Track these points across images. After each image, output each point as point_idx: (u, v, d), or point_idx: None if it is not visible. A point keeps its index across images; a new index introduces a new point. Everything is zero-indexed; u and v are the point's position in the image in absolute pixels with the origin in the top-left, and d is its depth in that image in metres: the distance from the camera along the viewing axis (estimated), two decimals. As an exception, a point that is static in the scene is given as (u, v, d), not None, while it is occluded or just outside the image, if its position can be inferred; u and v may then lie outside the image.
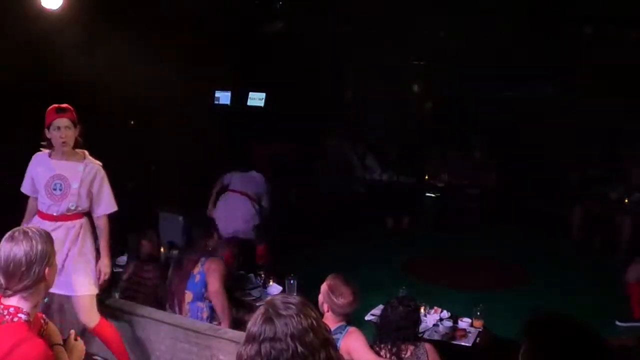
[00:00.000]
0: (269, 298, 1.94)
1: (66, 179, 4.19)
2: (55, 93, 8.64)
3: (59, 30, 6.80)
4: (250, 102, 10.34)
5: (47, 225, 4.03)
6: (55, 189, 4.19)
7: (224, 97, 10.15)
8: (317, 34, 8.69)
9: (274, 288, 5.43)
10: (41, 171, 4.27)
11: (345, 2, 8.14)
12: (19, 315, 2.26)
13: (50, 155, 4.28)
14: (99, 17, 7.20)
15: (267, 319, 1.82)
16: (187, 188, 7.72)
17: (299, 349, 1.78)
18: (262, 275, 5.73)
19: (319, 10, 8.24)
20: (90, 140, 8.88)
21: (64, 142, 4.14)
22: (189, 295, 4.68)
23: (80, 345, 2.54)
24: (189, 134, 7.83)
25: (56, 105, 4.24)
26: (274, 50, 8.87)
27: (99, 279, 4.23)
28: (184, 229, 6.65)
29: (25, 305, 2.28)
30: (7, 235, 2.33)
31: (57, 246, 3.88)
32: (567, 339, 1.78)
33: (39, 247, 2.29)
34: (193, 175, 7.97)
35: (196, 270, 4.68)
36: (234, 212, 6.63)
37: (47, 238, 2.36)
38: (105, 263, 4.26)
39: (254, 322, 1.85)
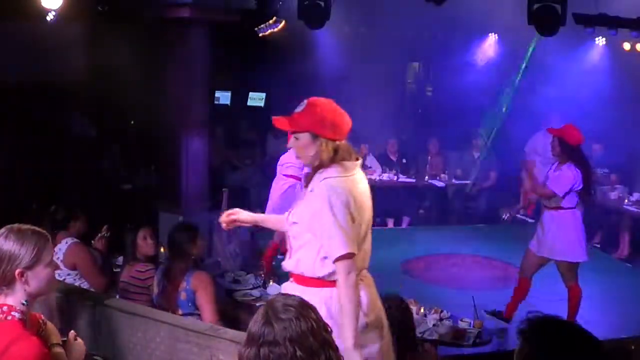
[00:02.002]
0: (269, 299, 1.94)
1: None
2: (54, 93, 8.67)
3: (59, 30, 6.80)
4: (250, 102, 10.34)
5: None
6: None
7: (224, 97, 10.15)
8: (316, 34, 8.69)
9: (274, 288, 5.42)
10: None
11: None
12: (13, 313, 2.25)
13: None
14: (99, 17, 7.20)
15: (267, 322, 1.82)
16: (186, 188, 7.70)
17: (298, 352, 1.78)
18: (262, 275, 5.73)
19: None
20: (90, 140, 8.89)
21: None
22: (178, 310, 4.61)
23: (80, 345, 2.54)
24: (189, 134, 7.81)
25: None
26: (273, 50, 8.87)
27: None
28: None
29: (12, 302, 2.27)
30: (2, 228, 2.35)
31: None
32: (561, 339, 1.78)
33: (10, 246, 2.26)
34: (192, 175, 7.96)
35: (181, 286, 4.47)
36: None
37: (30, 241, 2.30)
38: None
39: (254, 324, 1.85)
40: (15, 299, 2.28)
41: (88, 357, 3.26)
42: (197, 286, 4.44)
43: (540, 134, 7.98)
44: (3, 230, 2.32)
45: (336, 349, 1.92)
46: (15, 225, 2.34)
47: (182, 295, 4.46)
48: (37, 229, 2.37)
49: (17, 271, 2.26)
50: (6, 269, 2.26)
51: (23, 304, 2.30)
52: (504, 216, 7.27)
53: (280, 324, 1.80)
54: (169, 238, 4.66)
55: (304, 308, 1.86)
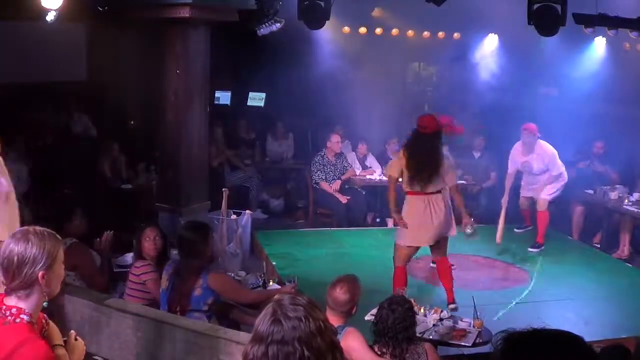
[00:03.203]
0: (277, 296, 1.91)
1: None
2: (55, 93, 8.64)
3: (59, 30, 6.79)
4: (250, 102, 10.35)
5: None
6: None
7: (224, 97, 10.15)
8: (316, 34, 8.70)
9: (274, 288, 5.41)
10: None
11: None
12: (21, 316, 2.24)
13: None
14: (99, 17, 7.20)
15: (275, 320, 1.81)
16: (186, 188, 7.71)
17: (306, 353, 1.78)
18: (262, 275, 5.73)
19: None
20: (90, 140, 8.86)
21: None
22: (188, 306, 4.60)
23: (80, 346, 2.54)
24: (189, 134, 7.81)
25: None
26: (273, 50, 8.87)
27: None
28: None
29: (24, 306, 2.26)
30: (15, 231, 2.34)
31: None
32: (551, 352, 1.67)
33: (33, 250, 2.26)
34: (192, 175, 7.97)
35: (197, 283, 4.47)
36: None
37: (49, 242, 2.31)
38: None
39: (262, 321, 1.84)
40: (29, 301, 2.28)
41: (88, 357, 3.26)
42: (221, 289, 4.50)
43: (518, 144, 7.89)
44: (19, 234, 2.31)
45: (342, 351, 1.92)
46: (30, 228, 2.34)
47: (197, 291, 4.47)
48: (48, 230, 2.38)
49: (40, 273, 2.27)
50: (28, 272, 2.26)
51: (44, 307, 2.31)
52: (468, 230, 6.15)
53: (289, 322, 1.79)
54: (180, 237, 4.67)
55: (313, 308, 1.85)
